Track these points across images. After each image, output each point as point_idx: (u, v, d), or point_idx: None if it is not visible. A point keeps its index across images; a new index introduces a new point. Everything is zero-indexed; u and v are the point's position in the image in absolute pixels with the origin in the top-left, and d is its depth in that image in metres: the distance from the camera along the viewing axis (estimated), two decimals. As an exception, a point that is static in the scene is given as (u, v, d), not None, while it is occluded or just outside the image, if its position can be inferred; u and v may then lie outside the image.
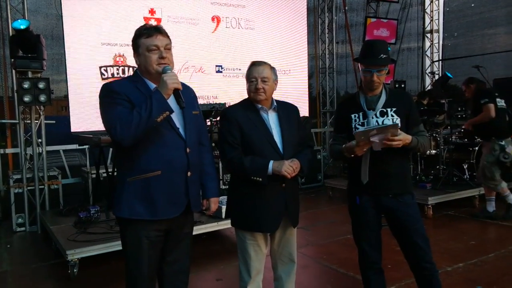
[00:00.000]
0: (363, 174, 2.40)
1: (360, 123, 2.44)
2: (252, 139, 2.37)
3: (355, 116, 2.46)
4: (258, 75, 2.38)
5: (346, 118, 2.49)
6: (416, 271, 2.48)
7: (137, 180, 2.02)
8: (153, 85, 2.06)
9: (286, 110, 2.51)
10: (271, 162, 2.31)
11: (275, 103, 2.47)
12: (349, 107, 2.52)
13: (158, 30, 2.06)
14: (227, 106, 5.23)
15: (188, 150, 2.10)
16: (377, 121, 2.41)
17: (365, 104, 2.46)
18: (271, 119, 2.44)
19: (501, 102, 5.13)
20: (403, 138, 2.28)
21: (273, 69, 2.45)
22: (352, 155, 2.34)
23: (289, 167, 2.30)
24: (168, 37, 2.09)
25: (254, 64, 2.43)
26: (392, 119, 2.40)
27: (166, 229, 2.12)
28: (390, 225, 2.52)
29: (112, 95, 2.00)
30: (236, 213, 2.49)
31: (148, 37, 2.02)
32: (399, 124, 2.36)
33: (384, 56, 2.39)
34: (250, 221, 2.41)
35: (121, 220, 2.10)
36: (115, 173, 2.29)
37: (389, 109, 2.43)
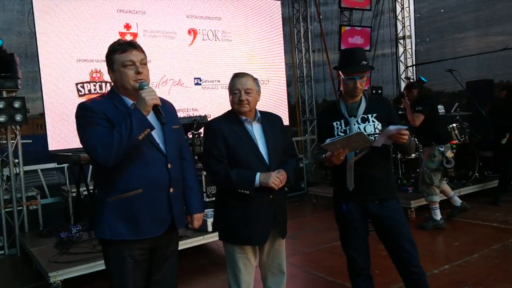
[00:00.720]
0: (348, 181, 2.42)
1: (342, 131, 2.46)
2: (238, 151, 2.35)
3: (337, 124, 2.48)
4: (241, 86, 2.37)
5: (328, 127, 2.51)
6: (404, 275, 2.50)
7: (118, 199, 1.97)
8: (130, 102, 2.02)
9: (269, 120, 2.51)
10: (258, 174, 2.30)
11: (259, 114, 2.47)
12: (330, 116, 2.54)
13: (132, 45, 2.02)
14: (208, 118, 5.22)
15: (169, 165, 2.05)
16: (359, 127, 2.44)
17: (346, 111, 2.49)
18: (256, 130, 2.44)
19: (441, 109, 5.25)
20: (408, 134, 2.28)
21: (255, 80, 2.45)
22: (333, 165, 2.35)
23: (276, 179, 2.30)
24: (143, 51, 2.05)
25: (237, 76, 2.42)
26: (374, 125, 2.44)
27: (150, 247, 2.07)
28: (377, 231, 2.54)
29: (88, 114, 1.94)
30: (224, 226, 2.46)
31: (122, 52, 1.98)
32: (379, 130, 2.40)
33: (365, 62, 2.44)
34: (239, 234, 2.39)
35: (103, 241, 2.04)
36: (95, 193, 2.19)
37: (369, 115, 2.46)
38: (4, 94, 5.03)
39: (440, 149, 4.98)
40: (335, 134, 2.47)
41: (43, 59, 5.87)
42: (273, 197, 2.39)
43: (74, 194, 5.40)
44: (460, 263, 3.91)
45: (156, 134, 2.04)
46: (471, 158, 6.35)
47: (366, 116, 2.46)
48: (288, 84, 9.14)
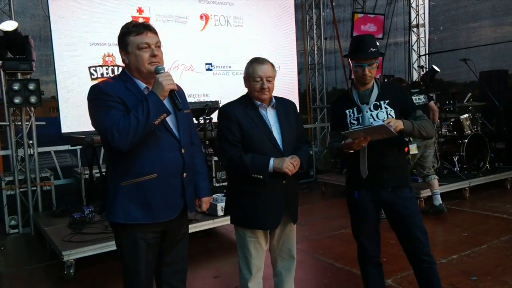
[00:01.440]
0: (362, 169, 2.43)
1: (355, 118, 2.47)
2: (252, 136, 2.36)
3: (349, 111, 2.49)
4: (263, 74, 2.34)
5: (341, 115, 2.52)
6: (415, 263, 2.52)
7: (132, 184, 1.96)
8: (143, 85, 2.00)
9: (284, 106, 2.51)
10: (272, 160, 2.31)
11: (274, 100, 2.46)
12: (343, 104, 2.55)
13: (147, 27, 1.98)
14: (220, 104, 5.24)
15: (183, 150, 2.05)
16: (371, 114, 2.45)
17: (358, 99, 2.50)
18: (270, 115, 2.44)
19: (419, 99, 5.26)
20: (394, 122, 2.28)
21: (273, 66, 2.44)
22: (351, 151, 2.37)
23: (290, 164, 2.31)
24: (157, 34, 2.01)
25: (257, 62, 2.38)
26: (386, 111, 2.44)
27: (162, 230, 2.08)
28: (389, 219, 2.56)
29: (102, 97, 1.89)
30: (236, 210, 2.48)
31: (137, 34, 1.94)
32: (393, 116, 2.41)
33: (374, 49, 2.43)
34: (251, 219, 2.41)
35: (116, 224, 2.03)
36: (107, 176, 2.16)
37: (382, 102, 2.47)
38: (19, 76, 5.09)
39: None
40: (348, 122, 2.48)
41: (57, 42, 5.91)
42: (286, 183, 2.41)
43: (86, 176, 5.49)
44: (469, 253, 3.92)
45: (169, 119, 2.02)
46: (482, 149, 6.31)
47: (378, 103, 2.47)
48: (299, 71, 9.11)
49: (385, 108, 2.45)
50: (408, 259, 2.54)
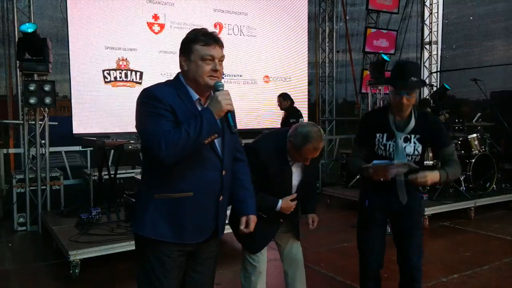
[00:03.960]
0: (401, 196, 2.49)
1: (383, 144, 2.48)
2: (273, 185, 2.51)
3: (379, 135, 2.49)
4: (311, 156, 2.42)
5: (370, 135, 2.53)
6: (405, 275, 2.62)
7: (166, 198, 1.85)
8: (196, 96, 1.89)
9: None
10: (280, 203, 2.50)
11: None
12: (376, 124, 2.53)
13: (216, 40, 1.88)
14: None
15: (223, 172, 1.94)
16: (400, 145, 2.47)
17: (394, 125, 2.48)
18: (296, 169, 2.58)
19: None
20: (426, 176, 2.34)
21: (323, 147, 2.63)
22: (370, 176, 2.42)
23: (292, 208, 2.56)
24: (223, 48, 1.92)
25: (314, 148, 2.37)
26: (414, 146, 2.46)
27: (190, 250, 1.96)
28: (393, 229, 2.64)
29: (154, 103, 1.79)
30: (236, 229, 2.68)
31: (205, 45, 1.84)
32: (419, 151, 2.48)
33: (415, 79, 2.37)
34: (243, 238, 2.56)
35: (141, 237, 1.91)
36: (140, 185, 2.04)
37: (412, 135, 2.46)
38: (36, 77, 5.21)
39: None
40: (376, 144, 2.50)
41: (73, 44, 6.06)
42: (283, 221, 2.65)
43: (95, 178, 5.57)
44: (470, 273, 3.92)
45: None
46: (489, 170, 6.30)
47: (409, 136, 2.46)
48: (310, 83, 9.17)
49: (414, 143, 2.46)
50: (401, 274, 2.63)
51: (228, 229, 3.30)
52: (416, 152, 2.45)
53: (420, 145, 2.46)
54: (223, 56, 1.91)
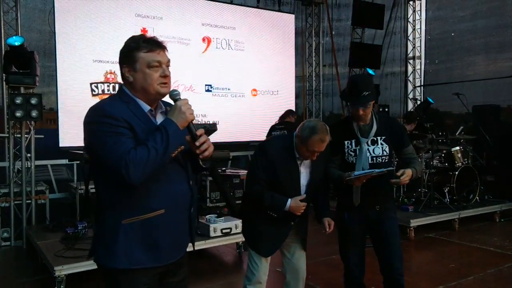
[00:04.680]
0: (355, 198, 2.61)
1: (353, 150, 2.64)
2: (282, 183, 2.56)
3: (347, 142, 2.66)
4: (318, 149, 2.45)
5: (339, 143, 2.67)
6: (389, 282, 2.74)
7: (136, 221, 1.71)
8: (147, 107, 1.77)
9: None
10: (289, 202, 2.52)
11: None
12: (342, 133, 2.70)
13: (160, 45, 1.78)
14: (217, 125, 5.33)
15: (190, 182, 1.86)
16: (368, 149, 2.61)
17: (359, 132, 2.65)
18: (304, 166, 2.62)
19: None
20: (408, 175, 2.53)
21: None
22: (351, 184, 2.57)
23: (303, 209, 2.56)
24: (167, 52, 1.82)
25: (320, 140, 2.41)
26: (382, 147, 2.63)
27: (162, 271, 1.84)
28: (373, 239, 2.75)
29: (110, 122, 1.64)
30: (246, 232, 2.80)
31: (149, 51, 1.73)
32: (387, 152, 2.63)
33: (367, 93, 2.56)
34: (251, 241, 2.73)
35: (113, 271, 1.73)
36: (99, 213, 1.81)
37: (379, 138, 2.64)
38: (22, 90, 5.18)
39: None
40: (346, 152, 2.66)
41: (60, 57, 6.06)
42: (294, 224, 2.67)
43: (81, 191, 5.52)
44: (455, 284, 3.98)
45: None
46: (473, 182, 6.42)
47: (375, 139, 2.64)
48: (297, 96, 9.28)
49: (381, 144, 2.63)
50: (385, 279, 2.75)
51: (215, 243, 3.41)
52: (384, 153, 2.63)
53: (387, 145, 2.63)
54: (169, 61, 1.81)
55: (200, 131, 1.76)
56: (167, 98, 1.86)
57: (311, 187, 2.63)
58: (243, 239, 3.53)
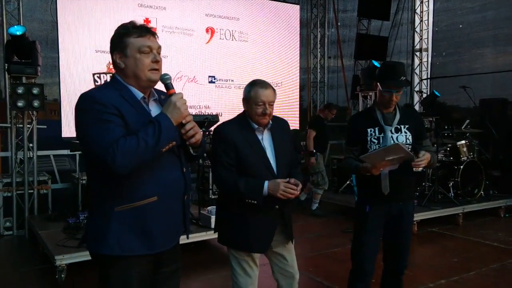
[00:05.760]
0: (384, 188, 2.54)
1: (376, 137, 2.60)
2: (248, 160, 2.33)
3: (371, 130, 2.62)
4: (266, 99, 2.31)
5: (362, 132, 2.63)
6: (393, 273, 2.74)
7: (128, 209, 1.70)
8: (140, 94, 1.77)
9: (279, 127, 2.49)
10: (266, 183, 2.27)
11: (270, 122, 2.42)
12: (365, 121, 2.66)
13: (149, 31, 1.77)
14: (220, 117, 5.30)
15: (184, 169, 1.84)
16: (391, 136, 2.58)
17: (382, 119, 2.62)
18: (265, 138, 2.41)
19: None
20: (427, 158, 2.46)
21: (274, 90, 2.42)
22: (369, 173, 2.47)
23: (285, 189, 2.25)
24: (158, 39, 1.82)
25: (260, 86, 2.34)
26: (405, 136, 2.60)
27: (155, 260, 1.83)
28: (387, 232, 2.68)
29: (99, 108, 1.62)
30: (226, 230, 2.46)
31: (139, 36, 1.73)
32: (410, 140, 2.60)
33: (404, 78, 2.57)
34: (240, 240, 2.39)
35: (105, 257, 1.72)
36: (92, 200, 1.83)
37: (402, 126, 2.62)
38: (24, 80, 5.17)
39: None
40: (368, 140, 2.60)
41: (63, 47, 6.02)
42: (279, 207, 2.37)
43: (83, 182, 5.52)
44: (457, 279, 3.94)
45: None
46: (478, 176, 6.35)
47: (399, 127, 2.61)
48: (302, 88, 9.22)
49: (405, 132, 2.61)
50: (387, 269, 2.76)
51: (216, 234, 3.25)
52: (408, 141, 2.59)
53: (411, 134, 2.60)
54: (160, 47, 1.79)
55: (188, 118, 1.74)
56: (161, 87, 1.84)
57: (282, 163, 2.40)
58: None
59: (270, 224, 2.39)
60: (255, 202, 2.27)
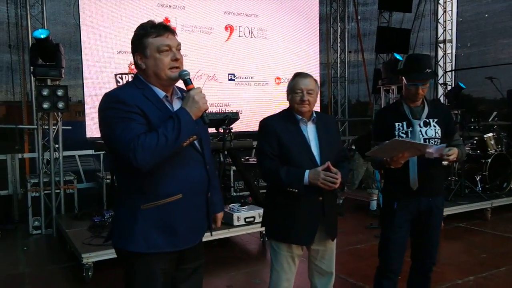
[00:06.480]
0: (412, 179, 2.49)
1: (404, 132, 2.55)
2: (290, 150, 2.35)
3: (399, 125, 2.57)
4: (304, 87, 2.37)
5: (389, 126, 2.58)
6: (421, 270, 2.70)
7: (154, 207, 1.73)
8: (162, 93, 1.79)
9: (324, 122, 2.49)
10: (307, 172, 2.27)
11: (314, 115, 2.45)
12: (392, 116, 2.62)
13: (167, 29, 1.79)
14: (240, 114, 5.31)
15: (207, 166, 1.86)
16: (420, 130, 2.53)
17: (410, 113, 2.57)
18: (310, 131, 2.42)
19: None
20: (454, 152, 2.40)
21: (316, 81, 2.47)
22: (393, 167, 2.43)
23: (326, 178, 2.24)
24: (176, 36, 1.83)
25: (299, 76, 2.43)
26: (435, 129, 2.54)
27: (179, 256, 1.87)
28: (415, 227, 2.62)
29: (121, 107, 1.66)
30: (271, 223, 2.49)
31: (157, 36, 1.75)
32: (439, 134, 2.54)
33: (429, 70, 2.51)
34: (284, 233, 2.39)
35: (131, 254, 1.76)
36: (117, 198, 1.88)
37: (431, 120, 2.56)
38: (49, 82, 5.28)
39: None
40: (396, 134, 2.55)
41: (86, 49, 6.13)
42: (323, 199, 2.36)
43: (108, 181, 5.62)
44: (486, 275, 3.84)
45: None
46: (506, 170, 6.17)
47: (428, 120, 2.55)
48: (322, 84, 9.14)
49: (434, 126, 2.54)
50: (414, 266, 2.70)
51: (238, 231, 3.20)
52: (437, 135, 2.53)
53: (440, 128, 2.54)
54: (179, 44, 1.81)
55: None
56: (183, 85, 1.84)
57: (327, 156, 2.36)
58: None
59: (313, 216, 2.37)
60: (296, 190, 2.29)
